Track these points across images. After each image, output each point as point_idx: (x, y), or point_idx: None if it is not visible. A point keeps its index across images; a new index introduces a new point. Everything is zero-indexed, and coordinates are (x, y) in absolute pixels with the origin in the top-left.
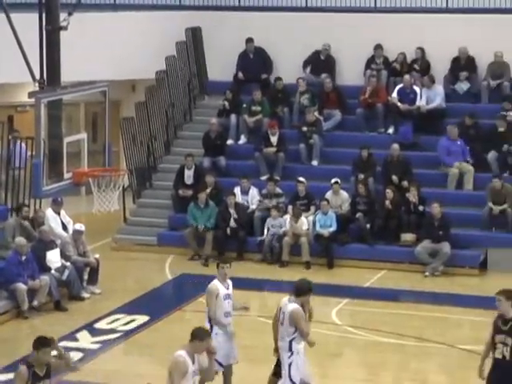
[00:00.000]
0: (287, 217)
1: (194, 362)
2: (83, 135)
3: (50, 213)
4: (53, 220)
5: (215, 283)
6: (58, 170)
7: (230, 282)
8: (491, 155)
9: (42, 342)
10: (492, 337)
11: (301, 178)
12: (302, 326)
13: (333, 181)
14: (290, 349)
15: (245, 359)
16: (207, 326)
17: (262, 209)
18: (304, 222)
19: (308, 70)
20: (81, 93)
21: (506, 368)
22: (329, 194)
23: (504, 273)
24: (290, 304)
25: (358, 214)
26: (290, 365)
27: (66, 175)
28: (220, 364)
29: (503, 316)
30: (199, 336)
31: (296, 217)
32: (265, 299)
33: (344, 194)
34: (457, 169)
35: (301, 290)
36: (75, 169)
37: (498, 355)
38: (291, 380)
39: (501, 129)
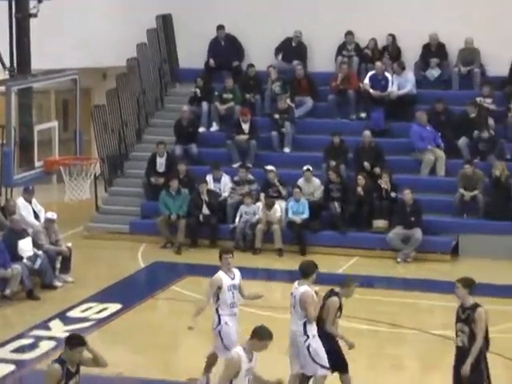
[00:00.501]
0: (260, 204)
1: (250, 360)
2: (54, 123)
3: (21, 201)
4: (24, 209)
5: (219, 274)
6: (29, 159)
7: (236, 272)
8: (462, 141)
9: (78, 342)
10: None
11: (269, 167)
12: (310, 310)
13: (305, 168)
14: (305, 332)
15: None
16: (215, 317)
17: (235, 196)
18: (277, 209)
19: (280, 56)
20: (51, 81)
21: (465, 355)
22: (301, 181)
23: (475, 258)
24: (300, 287)
25: (331, 201)
26: (308, 348)
27: (37, 163)
28: None
29: (462, 305)
30: (259, 335)
31: (269, 206)
32: None
33: (316, 181)
34: (432, 155)
35: (307, 271)
36: (46, 157)
37: (459, 343)
38: (316, 362)
39: (472, 115)
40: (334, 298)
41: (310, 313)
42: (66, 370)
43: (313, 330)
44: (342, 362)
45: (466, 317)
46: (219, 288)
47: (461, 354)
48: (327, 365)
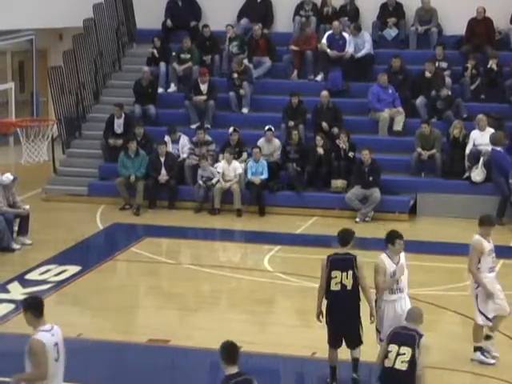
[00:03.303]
0: (218, 164)
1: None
2: (10, 85)
3: None
4: None
5: (383, 259)
6: None
7: (401, 255)
8: (419, 101)
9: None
10: None
11: (232, 129)
12: (471, 256)
13: (266, 128)
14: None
15: (177, 308)
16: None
17: (193, 157)
18: (237, 167)
19: (243, 20)
20: (7, 42)
21: None
22: (261, 141)
23: (433, 217)
24: (475, 236)
25: (289, 162)
26: (476, 297)
27: None
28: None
29: None
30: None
31: (230, 154)
32: (197, 248)
33: (276, 142)
34: (387, 114)
35: (482, 220)
36: (3, 119)
37: None
38: (481, 312)
39: (428, 74)
40: None
41: (470, 258)
42: None
43: (489, 275)
44: None
45: None
46: (384, 273)
47: None
48: (490, 317)
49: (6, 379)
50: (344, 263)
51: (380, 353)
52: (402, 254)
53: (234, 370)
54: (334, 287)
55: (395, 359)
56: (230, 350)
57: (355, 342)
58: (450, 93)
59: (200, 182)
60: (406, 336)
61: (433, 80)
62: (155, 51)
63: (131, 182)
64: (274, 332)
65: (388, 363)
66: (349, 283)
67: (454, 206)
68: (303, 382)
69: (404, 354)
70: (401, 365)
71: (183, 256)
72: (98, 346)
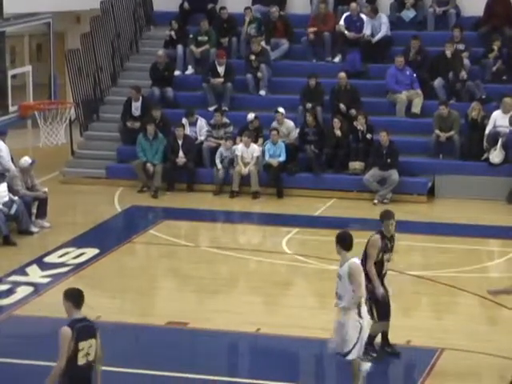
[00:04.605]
0: (236, 147)
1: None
2: (28, 68)
3: (3, 145)
4: (5, 151)
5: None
6: (3, 104)
7: (347, 263)
8: (438, 82)
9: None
10: None
11: (252, 115)
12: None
13: (279, 110)
14: None
15: (195, 290)
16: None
17: (211, 139)
18: (256, 149)
19: (258, 6)
20: (25, 24)
21: None
22: (274, 124)
23: (451, 199)
24: None
25: (307, 144)
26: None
27: (12, 108)
28: None
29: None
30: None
31: (248, 137)
32: (215, 231)
33: (289, 123)
34: (405, 96)
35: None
36: (21, 102)
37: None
38: None
39: (448, 54)
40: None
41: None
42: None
43: None
44: None
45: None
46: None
47: None
48: None
49: (25, 362)
50: None
51: None
52: (347, 263)
53: (79, 314)
54: None
55: None
56: (77, 296)
57: None
58: (466, 76)
59: (218, 163)
60: None
61: (451, 61)
62: (173, 33)
63: (148, 169)
64: (291, 314)
65: None
66: None
67: (473, 188)
68: (322, 364)
69: None
70: None
71: (201, 238)
72: (116, 329)
